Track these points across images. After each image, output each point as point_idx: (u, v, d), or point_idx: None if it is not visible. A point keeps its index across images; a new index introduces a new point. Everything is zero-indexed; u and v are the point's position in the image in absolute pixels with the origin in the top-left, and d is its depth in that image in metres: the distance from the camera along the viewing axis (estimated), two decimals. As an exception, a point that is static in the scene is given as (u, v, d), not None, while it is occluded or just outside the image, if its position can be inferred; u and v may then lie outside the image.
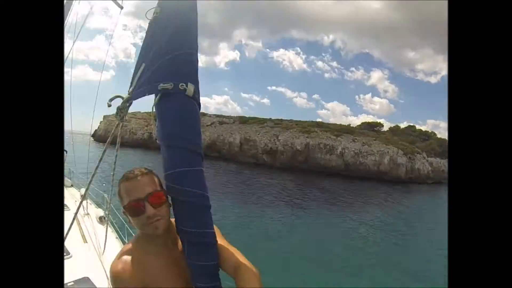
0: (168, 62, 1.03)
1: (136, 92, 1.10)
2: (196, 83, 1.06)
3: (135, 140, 43.19)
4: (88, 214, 4.39)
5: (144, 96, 1.09)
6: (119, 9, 5.13)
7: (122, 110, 1.17)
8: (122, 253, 0.99)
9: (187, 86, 1.02)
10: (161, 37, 1.08)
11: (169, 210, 1.00)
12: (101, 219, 4.36)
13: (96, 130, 54.25)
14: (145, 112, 47.57)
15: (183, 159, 1.00)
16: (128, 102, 1.15)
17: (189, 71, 1.08)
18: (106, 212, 4.24)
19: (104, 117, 53.28)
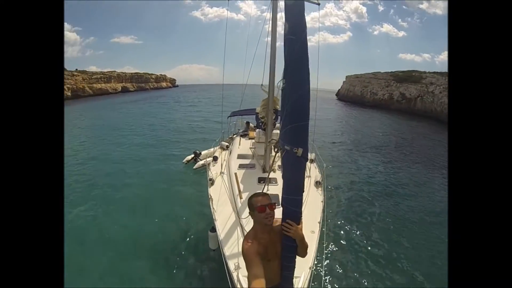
0: (289, 130, 1.76)
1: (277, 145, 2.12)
2: (305, 146, 1.72)
3: (376, 100, 40.18)
4: (309, 176, 4.83)
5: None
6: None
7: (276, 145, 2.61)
8: (247, 234, 1.83)
9: (297, 149, 1.70)
10: (286, 104, 1.80)
11: (274, 212, 1.78)
12: (316, 184, 4.69)
13: (339, 90, 55.13)
14: (385, 72, 44.41)
15: (289, 192, 1.81)
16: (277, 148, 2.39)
17: (302, 137, 1.74)
18: (322, 179, 4.77)
19: (347, 77, 53.52)
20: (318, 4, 5.77)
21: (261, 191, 1.95)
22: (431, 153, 13.37)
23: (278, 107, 5.95)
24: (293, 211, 1.77)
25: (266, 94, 5.30)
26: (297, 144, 1.70)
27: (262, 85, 5.43)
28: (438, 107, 30.69)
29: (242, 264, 2.63)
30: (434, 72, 36.58)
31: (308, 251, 2.59)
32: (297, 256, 1.83)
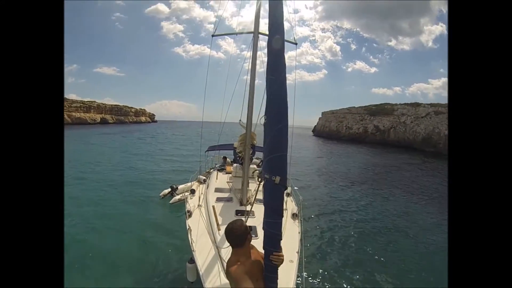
0: (269, 160, 1.96)
1: (260, 175, 2.20)
2: (283, 174, 1.89)
3: (351, 134, 42.87)
4: (286, 209, 4.76)
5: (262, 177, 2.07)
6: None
7: (259, 175, 2.25)
8: (230, 260, 1.93)
9: (275, 178, 1.87)
10: (267, 137, 2.03)
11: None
12: (293, 216, 4.69)
13: (315, 126, 57.00)
14: (359, 107, 46.60)
15: (270, 216, 1.98)
16: (261, 176, 2.16)
17: (280, 166, 1.92)
18: (299, 211, 4.82)
19: (322, 113, 55.72)
20: (296, 43, 5.92)
21: (235, 219, 2.07)
22: (408, 181, 13.72)
23: (255, 142, 6.11)
24: (274, 234, 1.94)
25: (243, 130, 5.34)
26: (275, 173, 1.89)
27: (240, 120, 5.53)
28: (410, 136, 32.01)
29: None
30: (404, 104, 39.32)
31: (287, 280, 2.79)
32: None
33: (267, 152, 2.00)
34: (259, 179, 2.34)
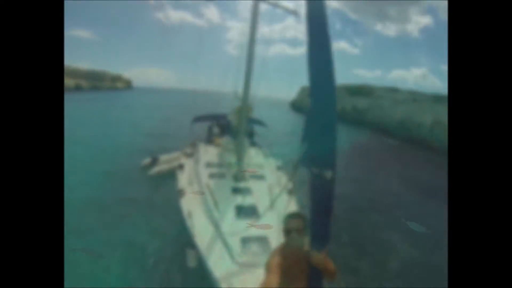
0: (319, 154, 1.75)
1: (301, 164, 1.96)
2: (334, 169, 1.72)
3: None
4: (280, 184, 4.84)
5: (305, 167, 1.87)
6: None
7: (295, 167, 2.06)
8: (276, 249, 1.86)
9: (326, 173, 1.69)
10: (313, 125, 1.80)
11: (303, 238, 1.79)
12: (290, 192, 4.60)
13: (294, 100, 55.15)
14: (338, 85, 45.46)
15: (319, 215, 1.81)
16: (296, 168, 2.02)
17: (331, 160, 1.74)
18: (292, 186, 4.69)
19: (301, 88, 53.55)
20: (295, 13, 5.72)
21: (295, 212, 1.94)
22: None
23: (250, 115, 5.85)
24: (321, 234, 1.80)
25: (239, 102, 5.14)
26: (326, 167, 1.72)
27: (236, 92, 5.27)
28: (385, 119, 32.41)
29: (235, 282, 2.63)
30: (383, 87, 39.29)
31: None
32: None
33: (315, 144, 1.81)
34: (294, 170, 2.16)
